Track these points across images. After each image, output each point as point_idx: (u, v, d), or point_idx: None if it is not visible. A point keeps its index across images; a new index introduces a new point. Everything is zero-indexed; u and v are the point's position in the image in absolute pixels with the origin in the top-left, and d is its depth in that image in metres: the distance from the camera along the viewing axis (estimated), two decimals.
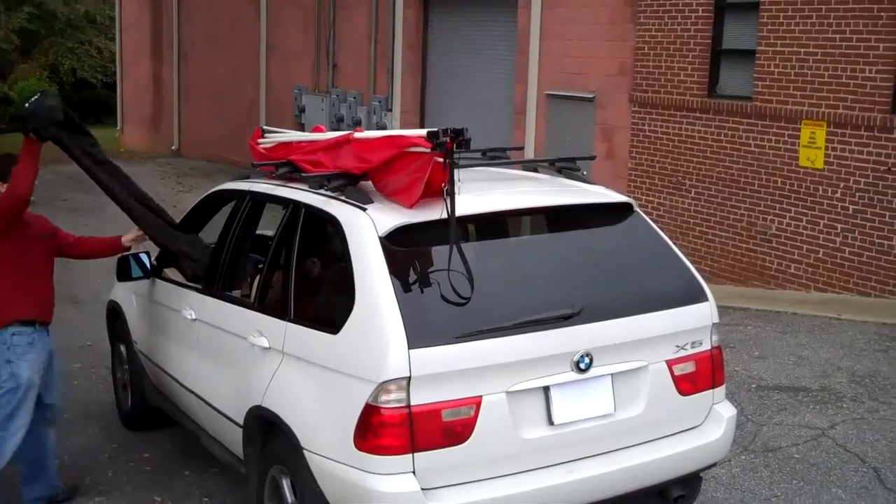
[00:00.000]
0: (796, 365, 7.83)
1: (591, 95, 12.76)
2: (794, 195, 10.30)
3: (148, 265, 6.39)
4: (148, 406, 6.67)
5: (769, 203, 10.58)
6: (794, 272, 10.35)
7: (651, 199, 11.98)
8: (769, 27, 10.40)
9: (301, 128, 17.64)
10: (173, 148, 24.39)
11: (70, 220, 15.25)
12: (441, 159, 4.21)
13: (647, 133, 12.07)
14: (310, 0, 18.76)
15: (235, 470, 5.24)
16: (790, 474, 5.95)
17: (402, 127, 15.76)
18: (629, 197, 5.09)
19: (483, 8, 14.98)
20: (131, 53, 27.30)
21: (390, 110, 16.80)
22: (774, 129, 10.44)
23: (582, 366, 4.26)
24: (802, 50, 10.06)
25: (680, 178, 11.66)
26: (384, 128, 16.19)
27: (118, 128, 28.43)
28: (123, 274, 6.40)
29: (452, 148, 4.17)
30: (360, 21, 17.53)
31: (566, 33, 13.07)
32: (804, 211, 10.21)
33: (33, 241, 5.58)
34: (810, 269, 10.18)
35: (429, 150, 4.26)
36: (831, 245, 9.94)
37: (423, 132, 4.32)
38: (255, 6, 20.68)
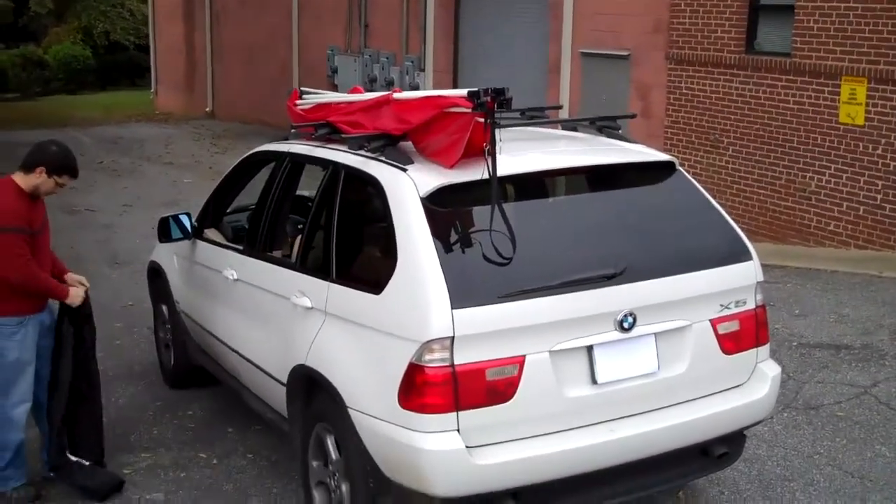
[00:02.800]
0: (837, 322, 7.78)
1: (626, 53, 12.62)
2: (833, 152, 10.17)
3: (188, 226, 6.44)
4: (191, 365, 6.75)
5: (808, 160, 10.45)
6: (833, 229, 10.25)
7: (688, 157, 11.87)
8: None
9: (334, 88, 17.62)
10: (207, 110, 24.45)
11: (110, 182, 15.43)
12: (482, 119, 4.20)
13: (684, 91, 11.93)
14: None
15: (279, 427, 5.31)
16: (833, 432, 5.93)
17: (435, 87, 15.68)
18: (670, 155, 5.05)
19: None
20: (164, 15, 27.31)
21: (423, 70, 16.71)
22: (814, 86, 10.29)
23: (625, 325, 4.26)
24: (842, 5, 9.87)
25: (717, 135, 11.54)
26: (417, 88, 16.12)
27: (152, 90, 28.54)
28: (164, 235, 6.46)
29: (493, 108, 4.15)
30: None
31: None
32: (844, 168, 10.08)
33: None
34: (850, 227, 10.07)
35: (469, 111, 4.24)
36: (871, 202, 9.83)
37: (464, 92, 4.29)
38: None
